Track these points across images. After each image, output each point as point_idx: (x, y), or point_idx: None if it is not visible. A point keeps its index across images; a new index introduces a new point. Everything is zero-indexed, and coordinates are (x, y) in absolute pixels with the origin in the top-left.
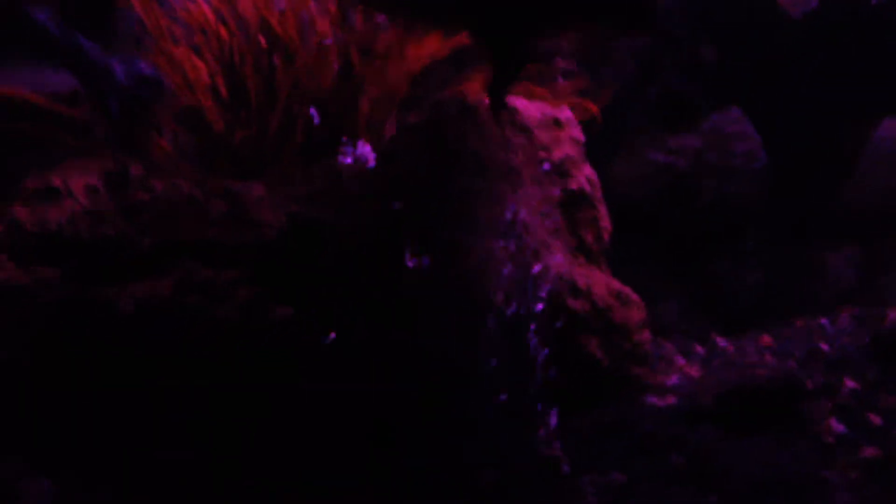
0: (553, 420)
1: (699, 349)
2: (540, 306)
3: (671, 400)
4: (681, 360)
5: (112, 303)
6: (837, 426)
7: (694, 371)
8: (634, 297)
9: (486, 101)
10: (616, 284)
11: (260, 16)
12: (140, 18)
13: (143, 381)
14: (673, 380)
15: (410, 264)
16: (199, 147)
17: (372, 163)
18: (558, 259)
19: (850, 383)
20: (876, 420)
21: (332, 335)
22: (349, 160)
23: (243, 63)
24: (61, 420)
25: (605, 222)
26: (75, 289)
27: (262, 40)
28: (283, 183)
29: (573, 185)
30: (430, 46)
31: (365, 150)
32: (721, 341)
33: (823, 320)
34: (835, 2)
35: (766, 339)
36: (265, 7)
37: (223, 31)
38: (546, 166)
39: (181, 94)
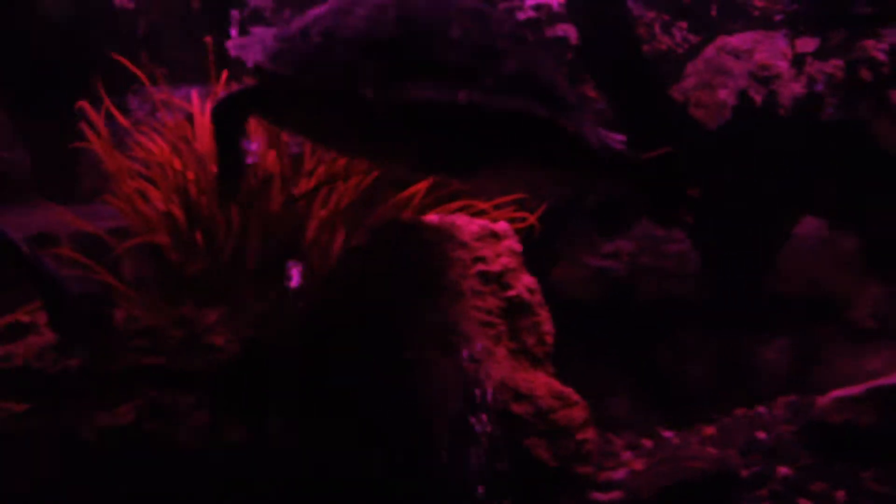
0: None
1: (646, 443)
2: (483, 413)
3: (616, 495)
4: (627, 455)
5: (76, 432)
6: None
7: (639, 465)
8: (576, 397)
9: (423, 220)
10: (558, 386)
11: (213, 149)
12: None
13: None
14: (619, 474)
15: (357, 379)
16: (156, 277)
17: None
18: (501, 366)
19: (783, 470)
20: None
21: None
22: (294, 283)
23: (200, 195)
24: None
25: (548, 326)
26: (41, 421)
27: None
28: (236, 308)
29: (512, 294)
30: (372, 170)
31: (302, 272)
32: (667, 434)
33: (762, 409)
34: (747, 113)
35: (710, 429)
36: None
37: (178, 164)
38: (485, 277)
39: (138, 229)
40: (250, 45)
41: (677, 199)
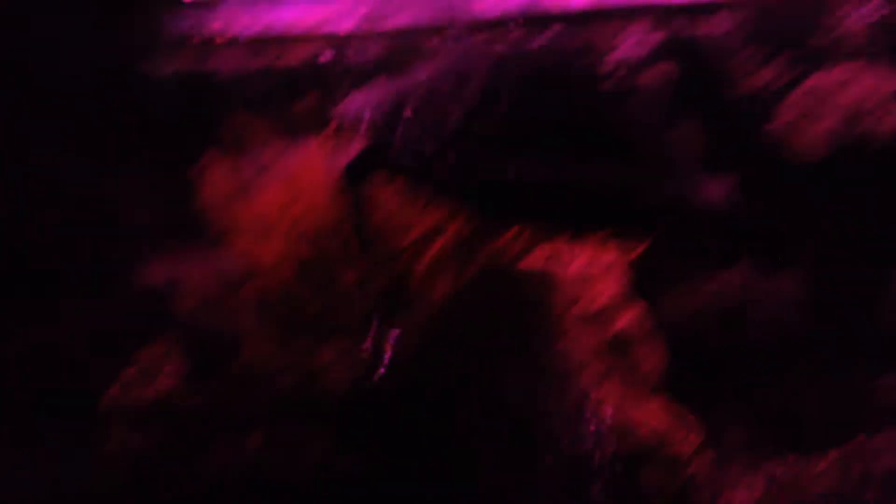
0: None
1: (761, 473)
2: (596, 441)
3: None
4: (745, 482)
5: (201, 461)
6: None
7: (756, 493)
8: (690, 425)
9: (529, 256)
10: (670, 416)
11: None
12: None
13: None
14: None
15: (469, 415)
16: (278, 317)
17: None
18: (613, 395)
19: None
20: None
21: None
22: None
23: (316, 239)
24: None
25: (658, 356)
26: (168, 453)
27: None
28: (352, 346)
29: (621, 326)
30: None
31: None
32: (782, 465)
33: (879, 440)
34: (846, 147)
35: (825, 461)
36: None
37: (297, 214)
38: (591, 311)
39: (262, 272)
40: (353, 111)
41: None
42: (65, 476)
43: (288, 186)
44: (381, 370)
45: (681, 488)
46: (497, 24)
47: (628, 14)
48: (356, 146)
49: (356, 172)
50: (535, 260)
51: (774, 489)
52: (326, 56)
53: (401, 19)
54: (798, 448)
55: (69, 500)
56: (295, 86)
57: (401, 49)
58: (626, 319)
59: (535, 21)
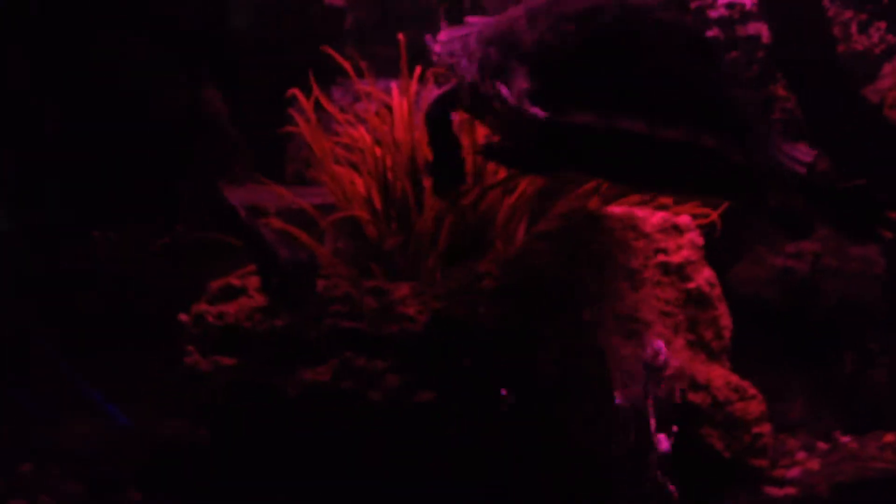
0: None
1: (822, 445)
2: (661, 400)
3: (790, 491)
4: (802, 455)
5: (280, 388)
6: None
7: (814, 465)
8: (753, 391)
9: (607, 210)
10: (735, 379)
11: (412, 138)
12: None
13: (303, 454)
14: (794, 472)
15: (541, 358)
16: (354, 252)
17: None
18: (679, 355)
19: None
20: None
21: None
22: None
23: (396, 179)
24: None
25: (726, 321)
26: (250, 375)
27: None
28: (427, 284)
29: (692, 286)
30: None
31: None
32: (844, 438)
33: None
34: None
35: (890, 437)
36: (416, 131)
37: (378, 151)
38: (666, 268)
39: (341, 206)
40: (444, 47)
41: (872, 220)
42: (145, 394)
43: (375, 121)
44: (461, 307)
45: (740, 451)
46: None
47: None
48: (443, 87)
49: (438, 113)
50: (619, 207)
51: (832, 463)
52: None
53: None
54: (859, 424)
55: (154, 423)
56: (396, 21)
57: None
58: (700, 279)
59: None
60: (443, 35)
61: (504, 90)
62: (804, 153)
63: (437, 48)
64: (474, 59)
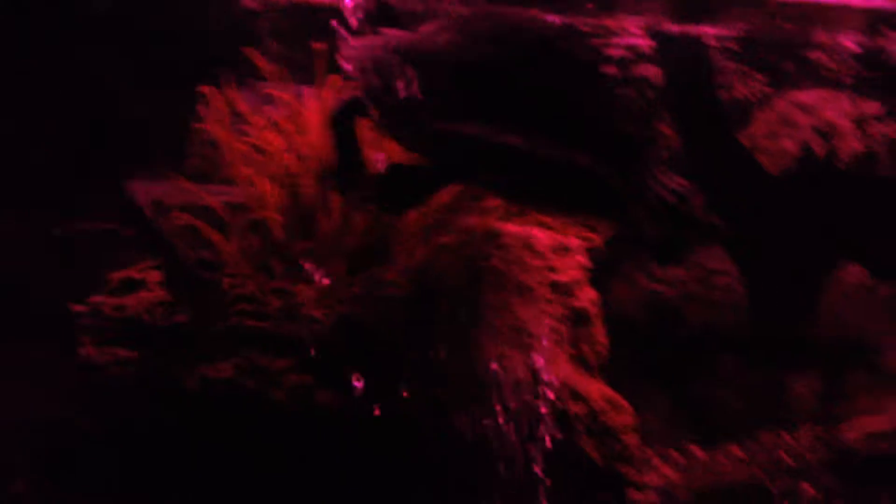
0: None
1: (678, 455)
2: (543, 407)
3: (652, 497)
4: (658, 462)
5: (180, 383)
6: None
7: (669, 472)
8: (625, 403)
9: (506, 227)
10: (609, 392)
11: (322, 145)
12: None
13: (202, 447)
14: (651, 478)
15: (434, 359)
16: (261, 252)
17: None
18: (561, 368)
19: (810, 490)
20: None
21: (376, 412)
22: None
23: (305, 184)
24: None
25: (602, 338)
26: (149, 368)
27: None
28: (333, 288)
29: (578, 305)
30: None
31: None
32: (696, 450)
33: (786, 435)
34: (808, 164)
35: (736, 449)
36: (327, 138)
37: (287, 156)
38: (555, 286)
39: (249, 206)
40: (352, 57)
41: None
42: (41, 387)
43: (286, 126)
44: (365, 311)
45: (610, 458)
46: None
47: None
48: (347, 93)
49: (341, 119)
50: (515, 227)
51: (690, 471)
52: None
53: None
54: (715, 436)
55: (46, 413)
56: (314, 24)
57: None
58: (584, 299)
59: None
60: (355, 43)
61: (402, 100)
62: (679, 185)
63: (347, 56)
64: (381, 70)
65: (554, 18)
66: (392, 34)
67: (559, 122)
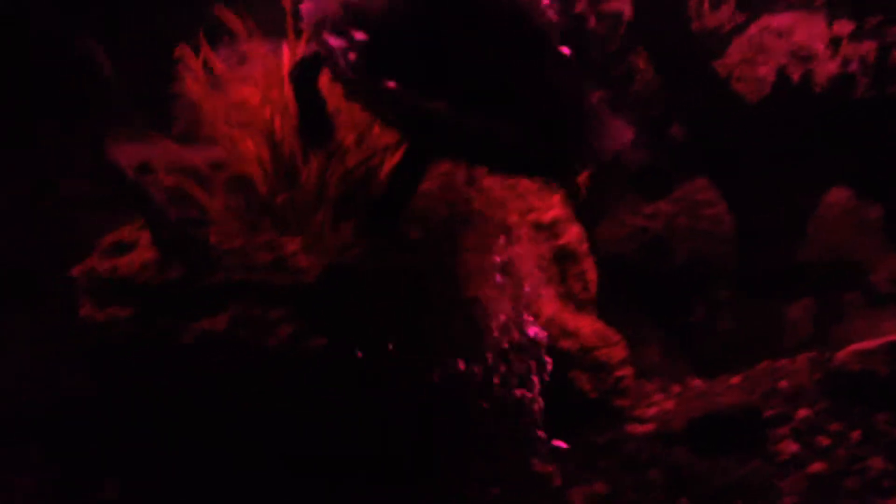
0: (547, 443)
1: (675, 388)
2: (534, 344)
3: (650, 427)
4: (659, 397)
5: (177, 337)
6: (791, 446)
7: (670, 405)
8: (617, 337)
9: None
10: (601, 327)
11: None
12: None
13: (201, 399)
14: (652, 411)
15: (425, 309)
16: (246, 207)
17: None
18: (550, 305)
19: (803, 412)
20: (824, 441)
21: (359, 354)
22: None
23: (284, 138)
24: (126, 434)
25: (592, 275)
26: (145, 325)
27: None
28: (318, 238)
29: (562, 242)
30: None
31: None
32: (694, 381)
33: (784, 362)
34: (785, 89)
35: (735, 379)
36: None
37: (267, 111)
38: (539, 225)
39: (232, 164)
40: (309, 12)
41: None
42: (41, 343)
43: (262, 81)
44: (351, 259)
45: (605, 392)
46: None
47: None
48: (307, 50)
49: (300, 75)
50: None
51: (685, 401)
52: None
53: None
54: (708, 369)
55: (46, 371)
56: None
57: None
58: (569, 236)
59: None
60: None
61: (337, 56)
62: (623, 132)
63: (306, 9)
64: (330, 28)
65: None
66: None
67: (483, 86)
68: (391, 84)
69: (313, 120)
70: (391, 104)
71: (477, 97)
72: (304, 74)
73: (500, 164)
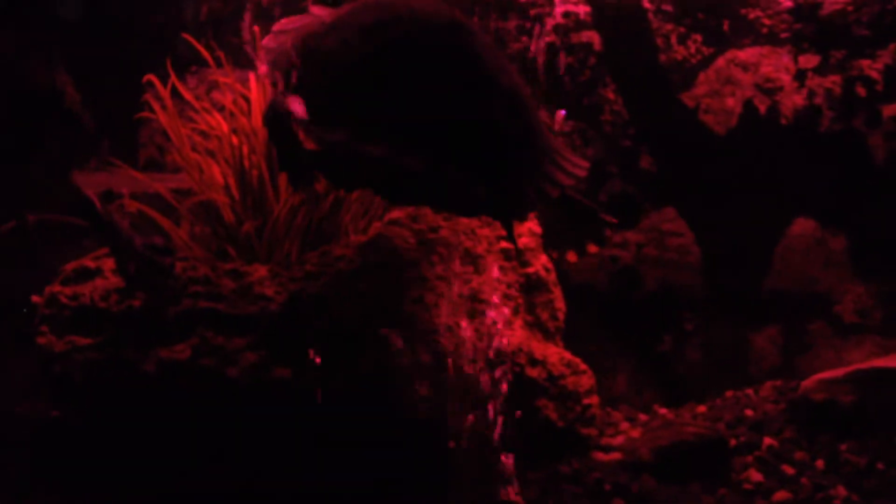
0: (513, 471)
1: (643, 417)
2: (501, 374)
3: (616, 455)
4: (626, 425)
5: (139, 366)
6: (756, 475)
7: (636, 433)
8: (584, 366)
9: None
10: (568, 356)
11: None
12: (163, 128)
13: (162, 429)
14: (618, 440)
15: (387, 333)
16: (212, 236)
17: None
18: (518, 334)
19: (768, 441)
20: (789, 470)
21: (318, 393)
22: (339, 250)
23: (252, 167)
24: (92, 461)
25: (560, 304)
26: (107, 354)
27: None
28: (284, 267)
29: (531, 271)
30: None
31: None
32: (662, 410)
33: (750, 391)
34: (751, 121)
35: (701, 408)
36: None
37: (234, 140)
38: (507, 254)
39: (198, 192)
40: (268, 49)
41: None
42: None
43: (231, 109)
44: (317, 288)
45: (572, 421)
46: None
47: None
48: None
49: (271, 114)
50: None
51: (652, 430)
52: None
53: None
54: (675, 398)
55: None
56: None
57: None
58: (538, 265)
59: None
60: (277, 27)
61: (284, 101)
62: (577, 168)
63: (265, 45)
64: (281, 66)
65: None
66: (304, 23)
67: (423, 127)
68: (336, 136)
69: (291, 163)
70: (336, 150)
71: (421, 140)
72: (275, 116)
73: (440, 205)
